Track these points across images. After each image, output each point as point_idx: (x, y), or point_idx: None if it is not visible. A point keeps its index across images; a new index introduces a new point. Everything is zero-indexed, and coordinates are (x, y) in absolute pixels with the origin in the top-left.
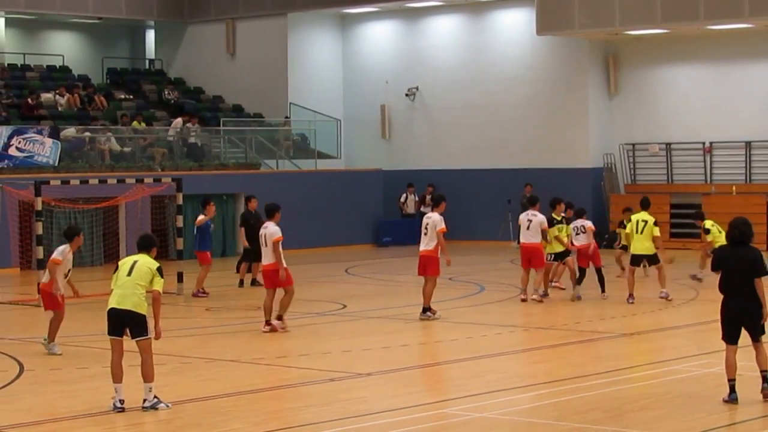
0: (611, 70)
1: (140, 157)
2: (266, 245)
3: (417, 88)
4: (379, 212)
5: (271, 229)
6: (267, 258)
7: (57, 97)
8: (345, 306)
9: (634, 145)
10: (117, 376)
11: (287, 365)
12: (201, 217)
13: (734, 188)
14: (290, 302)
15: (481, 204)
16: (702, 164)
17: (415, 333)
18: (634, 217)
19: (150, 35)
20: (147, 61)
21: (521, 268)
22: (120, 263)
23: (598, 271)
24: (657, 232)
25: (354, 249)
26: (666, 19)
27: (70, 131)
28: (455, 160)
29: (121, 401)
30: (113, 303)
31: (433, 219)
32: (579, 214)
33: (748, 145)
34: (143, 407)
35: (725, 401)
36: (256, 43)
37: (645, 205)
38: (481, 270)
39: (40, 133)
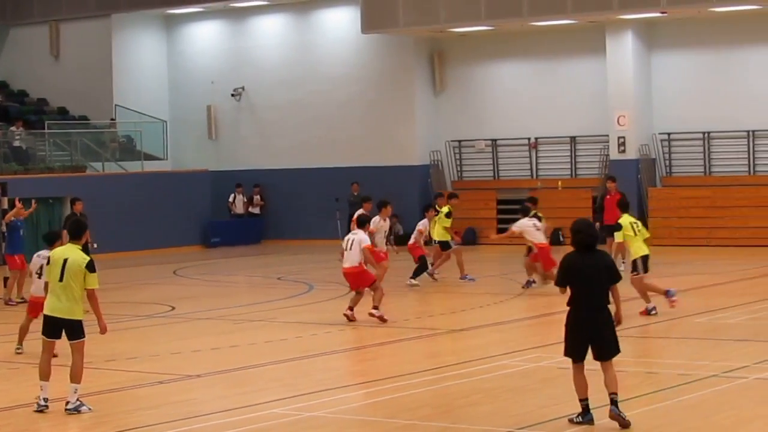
0: (437, 67)
1: None
2: (350, 249)
3: (243, 88)
4: (207, 213)
5: (360, 236)
6: (348, 261)
7: None
8: (174, 308)
9: (460, 141)
10: (45, 374)
11: (116, 368)
12: (9, 214)
13: (560, 183)
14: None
15: (310, 203)
16: (528, 160)
17: (244, 334)
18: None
19: None
20: None
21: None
22: (51, 257)
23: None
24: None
25: (183, 250)
26: (490, 16)
27: None
28: (283, 159)
29: (45, 400)
30: (47, 310)
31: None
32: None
33: (573, 140)
34: (66, 409)
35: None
36: (80, 44)
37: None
38: (310, 269)
39: None
